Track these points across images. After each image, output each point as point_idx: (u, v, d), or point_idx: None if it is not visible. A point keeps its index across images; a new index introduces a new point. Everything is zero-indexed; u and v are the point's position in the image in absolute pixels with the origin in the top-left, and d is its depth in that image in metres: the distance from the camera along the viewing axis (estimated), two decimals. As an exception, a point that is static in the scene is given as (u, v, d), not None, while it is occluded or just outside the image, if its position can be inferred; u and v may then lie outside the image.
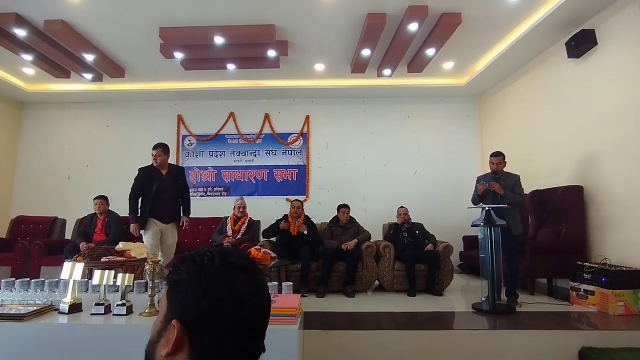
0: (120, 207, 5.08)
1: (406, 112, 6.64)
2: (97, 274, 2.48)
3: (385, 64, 5.23)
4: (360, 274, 4.25)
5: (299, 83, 6.09)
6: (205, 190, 6.50)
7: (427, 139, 6.56)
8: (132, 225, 3.85)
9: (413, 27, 4.25)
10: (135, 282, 2.75)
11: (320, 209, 5.98)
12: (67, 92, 6.22)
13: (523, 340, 2.77)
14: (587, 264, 3.61)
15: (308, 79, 5.99)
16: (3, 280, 2.69)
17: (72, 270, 2.48)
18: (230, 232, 4.47)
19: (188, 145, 6.65)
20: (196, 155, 6.61)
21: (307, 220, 4.60)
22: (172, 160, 6.51)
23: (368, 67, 5.35)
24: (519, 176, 3.83)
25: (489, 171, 3.94)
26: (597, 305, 3.35)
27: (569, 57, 4.32)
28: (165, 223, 3.93)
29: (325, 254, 4.21)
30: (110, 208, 4.82)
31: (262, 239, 4.58)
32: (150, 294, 2.46)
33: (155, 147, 3.96)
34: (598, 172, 4.04)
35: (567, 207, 4.12)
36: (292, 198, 6.31)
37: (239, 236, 4.44)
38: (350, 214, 4.71)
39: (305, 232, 4.32)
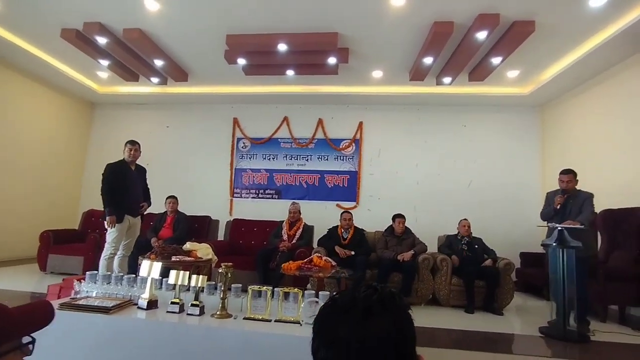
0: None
1: (462, 120, 6.44)
2: (173, 273, 2.60)
3: (446, 71, 5.10)
4: (415, 286, 4.16)
5: (354, 89, 6.09)
6: (257, 192, 6.65)
7: (484, 149, 6.32)
8: (108, 218, 3.78)
9: (481, 35, 4.11)
10: (207, 283, 2.86)
11: (370, 216, 5.95)
12: (134, 94, 6.61)
13: (600, 373, 2.59)
14: (670, 293, 3.33)
15: (364, 85, 5.97)
16: (87, 273, 2.89)
17: (150, 268, 2.62)
18: (285, 237, 4.55)
19: (242, 147, 6.83)
20: (249, 158, 6.78)
21: (357, 231, 4.59)
22: (227, 161, 6.80)
23: (428, 74, 5.24)
24: (591, 194, 3.59)
25: (557, 187, 3.73)
26: (682, 340, 3.07)
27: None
28: (134, 216, 4.00)
29: (380, 264, 4.17)
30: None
31: (315, 246, 4.61)
32: (221, 296, 2.54)
33: (135, 143, 4.05)
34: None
35: (645, 230, 3.81)
36: (343, 204, 6.34)
37: (294, 240, 4.50)
38: (406, 226, 4.64)
39: (352, 253, 4.29)
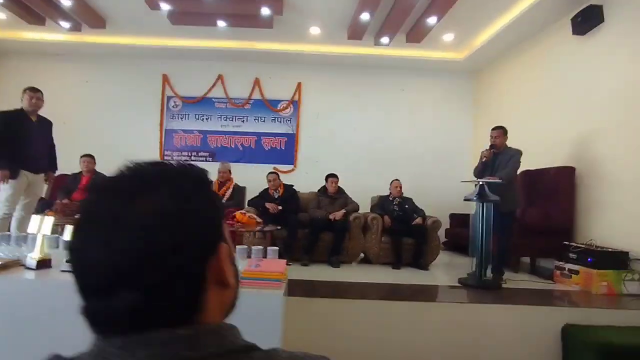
0: (99, 166, 4.86)
1: (401, 84, 6.46)
2: (69, 229, 2.31)
3: (384, 31, 5.01)
4: (346, 245, 4.18)
5: (292, 47, 5.82)
6: (190, 154, 6.27)
7: (420, 113, 6.42)
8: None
9: (416, -10, 4.02)
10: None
11: (307, 179, 5.84)
12: (43, 41, 5.80)
13: (507, 315, 2.75)
14: (573, 243, 3.61)
15: (302, 42, 5.73)
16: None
17: (40, 224, 2.31)
18: (214, 197, 4.30)
19: (173, 106, 6.35)
20: (181, 118, 6.33)
21: (287, 188, 4.49)
22: (156, 121, 6.30)
23: (365, 33, 5.12)
24: (519, 151, 3.67)
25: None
26: (580, 284, 3.36)
27: (573, 34, 4.19)
28: (34, 173, 3.63)
29: (312, 223, 4.11)
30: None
31: (247, 207, 4.44)
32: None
33: (37, 90, 3.66)
34: (591, 154, 4.00)
35: (557, 188, 4.09)
36: (280, 167, 6.17)
37: (223, 201, 4.28)
38: (339, 185, 4.60)
39: (280, 208, 4.18)
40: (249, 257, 2.59)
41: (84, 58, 6.30)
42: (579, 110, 4.19)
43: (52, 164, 3.89)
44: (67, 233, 2.29)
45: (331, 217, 4.14)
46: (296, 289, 2.89)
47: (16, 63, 6.29)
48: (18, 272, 2.20)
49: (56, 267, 2.28)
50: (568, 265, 3.52)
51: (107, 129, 6.25)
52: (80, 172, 4.55)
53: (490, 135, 3.73)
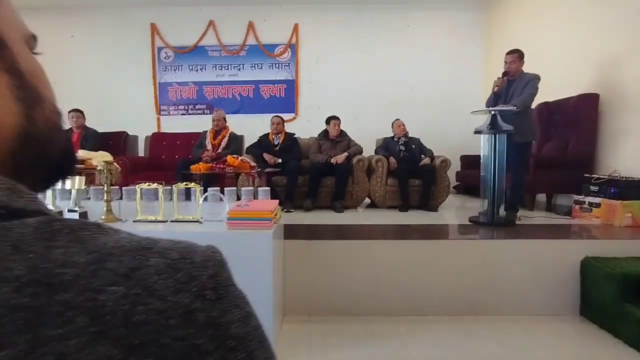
0: (94, 122, 4.68)
1: (405, 20, 5.95)
2: (42, 176, 2.15)
3: (384, -46, 4.48)
4: (350, 189, 3.98)
5: (285, -18, 5.33)
6: (186, 108, 6.02)
7: (428, 51, 5.95)
8: None
9: None
10: (92, 187, 2.45)
11: (310, 127, 5.56)
12: (20, -7, 5.43)
13: (522, 250, 2.56)
14: (595, 175, 3.34)
15: (295, -24, 5.23)
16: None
17: None
18: (209, 146, 4.11)
19: (165, 58, 6.02)
20: (174, 70, 6.02)
21: (288, 136, 4.26)
22: (148, 75, 6.01)
23: (364, -42, 4.60)
24: (537, 76, 3.23)
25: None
26: (601, 218, 3.13)
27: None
28: None
29: (312, 168, 3.89)
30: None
31: (245, 155, 4.24)
32: (105, 198, 2.15)
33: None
34: (616, 77, 3.61)
35: (578, 118, 3.75)
36: (281, 116, 5.87)
37: (219, 150, 4.08)
38: (341, 129, 4.33)
39: (279, 161, 3.94)
40: (238, 199, 2.42)
41: (66, 11, 5.93)
42: (603, 33, 3.74)
43: None
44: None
45: (333, 160, 3.91)
46: (297, 232, 2.74)
47: (-3, 20, 5.96)
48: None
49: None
50: (588, 199, 3.27)
51: (98, 85, 6.00)
52: (70, 129, 4.37)
53: (505, 61, 3.33)
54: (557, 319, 2.42)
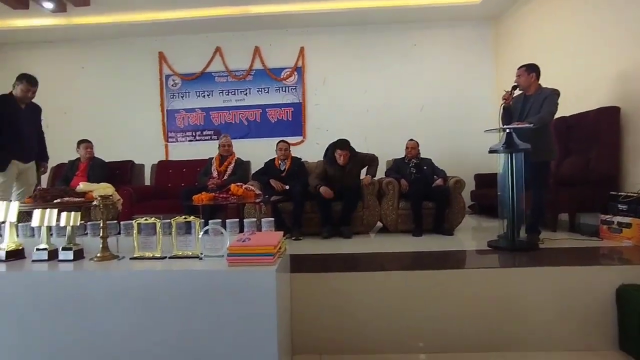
0: (103, 152, 4.66)
1: (412, 39, 5.91)
2: (37, 213, 2.06)
3: (388, -25, 4.47)
4: (360, 214, 3.82)
5: (290, 7, 5.35)
6: (194, 134, 6.00)
7: (436, 68, 5.87)
8: None
9: None
10: (89, 223, 2.34)
11: (318, 150, 5.45)
12: (32, 28, 5.58)
13: (548, 279, 2.34)
14: (622, 193, 3.13)
15: (301, 1, 5.24)
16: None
17: (6, 211, 2.07)
18: (215, 173, 4.02)
19: (172, 85, 6.06)
20: (182, 97, 6.04)
21: (295, 161, 4.15)
22: (156, 103, 6.04)
23: (368, -20, 4.60)
24: (556, 91, 3.09)
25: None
26: (633, 239, 2.90)
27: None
28: (25, 162, 3.48)
29: (318, 193, 3.72)
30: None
31: (251, 181, 4.13)
32: (101, 234, 2.04)
33: (35, 84, 3.46)
34: (637, 91, 3.43)
35: (599, 132, 3.57)
36: (288, 140, 5.79)
37: (224, 177, 3.99)
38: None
39: (287, 187, 3.82)
40: (241, 230, 2.29)
41: (77, 44, 6.06)
42: (620, 45, 3.60)
43: (43, 154, 3.72)
44: (35, 219, 2.04)
45: (365, 183, 3.84)
46: (305, 264, 2.59)
47: (12, 54, 6.12)
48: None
49: (31, 257, 2.05)
50: (617, 219, 3.05)
51: (108, 114, 6.05)
52: (78, 159, 4.36)
53: (516, 75, 3.22)
54: (595, 355, 2.19)
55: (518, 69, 3.21)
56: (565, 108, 4.03)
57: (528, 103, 3.15)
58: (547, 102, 3.02)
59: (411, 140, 4.27)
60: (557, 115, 3.86)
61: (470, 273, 2.42)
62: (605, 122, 3.54)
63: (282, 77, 5.92)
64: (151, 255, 2.02)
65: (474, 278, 2.37)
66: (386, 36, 5.87)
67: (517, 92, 3.22)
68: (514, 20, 5.41)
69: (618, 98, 3.61)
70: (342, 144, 3.94)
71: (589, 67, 4.02)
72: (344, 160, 3.92)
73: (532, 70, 3.15)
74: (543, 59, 4.72)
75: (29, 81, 3.38)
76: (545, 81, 3.29)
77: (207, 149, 5.75)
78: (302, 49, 5.92)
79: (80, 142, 4.46)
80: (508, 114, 3.17)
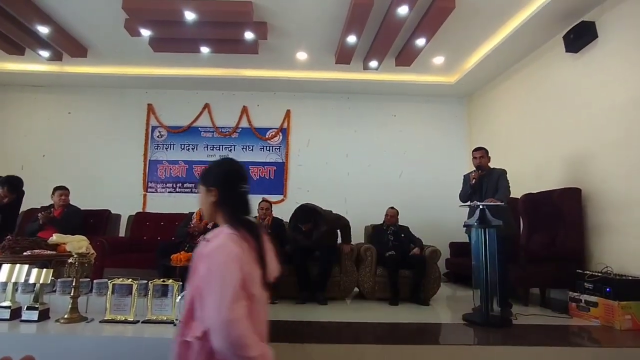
0: (79, 200, 4.54)
1: (392, 110, 6.30)
2: (5, 268, 1.97)
3: (372, 54, 4.87)
4: (337, 279, 3.81)
5: (279, 73, 5.68)
6: (174, 185, 5.98)
7: (413, 139, 6.22)
8: None
9: (402, 10, 3.90)
10: (59, 280, 2.25)
11: (298, 210, 5.54)
12: (24, 72, 5.65)
13: (522, 358, 2.37)
14: (587, 272, 3.28)
15: (289, 69, 5.59)
16: None
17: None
18: (194, 221, 3.95)
19: (158, 136, 6.13)
20: (166, 148, 6.09)
21: (276, 221, 4.17)
22: (139, 152, 6.04)
23: (353, 57, 4.99)
24: (503, 170, 3.53)
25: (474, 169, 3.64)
26: (600, 318, 3.00)
27: (566, 51, 4.06)
28: None
29: (296, 255, 3.73)
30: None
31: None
32: (72, 293, 1.96)
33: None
34: (595, 174, 3.74)
35: (563, 211, 3.80)
36: (269, 197, 5.85)
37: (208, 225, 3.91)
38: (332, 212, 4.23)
39: None
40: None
41: (66, 89, 6.14)
42: (578, 129, 3.99)
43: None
44: (3, 274, 1.95)
45: (345, 252, 3.87)
46: (280, 332, 2.53)
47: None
48: None
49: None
50: (584, 297, 3.17)
51: (88, 161, 5.99)
52: (52, 206, 4.20)
53: (474, 157, 3.63)
54: None
55: (477, 150, 3.58)
56: (530, 185, 4.33)
57: (483, 181, 3.50)
58: (501, 181, 3.40)
59: (391, 208, 4.40)
60: (524, 192, 4.17)
61: (446, 350, 2.42)
62: (568, 202, 3.79)
63: (267, 136, 6.11)
64: (123, 318, 1.94)
65: (451, 355, 2.36)
66: (368, 106, 6.25)
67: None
68: (484, 100, 5.91)
69: (579, 180, 3.91)
70: (303, 219, 3.84)
71: (552, 147, 4.38)
72: (306, 229, 3.85)
73: (488, 152, 3.57)
74: (509, 137, 5.18)
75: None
76: (510, 158, 3.63)
77: (187, 203, 5.72)
78: (288, 112, 6.19)
79: (55, 189, 4.32)
80: (471, 192, 3.47)
